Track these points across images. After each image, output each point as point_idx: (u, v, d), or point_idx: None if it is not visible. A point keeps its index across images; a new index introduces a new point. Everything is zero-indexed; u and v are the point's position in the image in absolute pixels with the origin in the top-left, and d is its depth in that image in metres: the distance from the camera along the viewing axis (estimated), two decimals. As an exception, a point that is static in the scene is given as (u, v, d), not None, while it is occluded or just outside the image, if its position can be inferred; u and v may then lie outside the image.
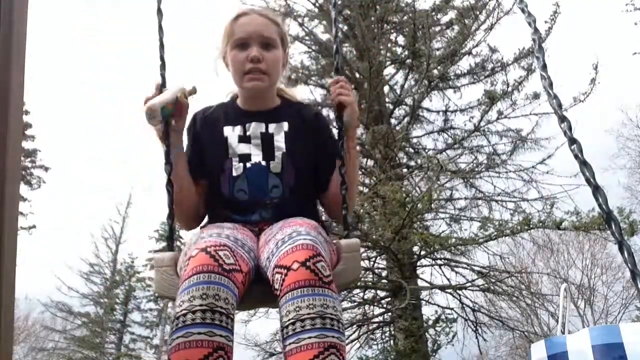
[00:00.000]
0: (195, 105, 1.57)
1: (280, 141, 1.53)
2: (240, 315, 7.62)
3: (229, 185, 1.50)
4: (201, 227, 1.50)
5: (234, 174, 1.50)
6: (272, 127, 1.55)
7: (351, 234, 1.45)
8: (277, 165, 1.50)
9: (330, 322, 1.10)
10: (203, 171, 1.54)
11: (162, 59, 1.53)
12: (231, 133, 1.54)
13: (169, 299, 1.37)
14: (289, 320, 1.11)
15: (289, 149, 1.52)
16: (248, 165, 1.50)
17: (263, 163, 1.51)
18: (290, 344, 1.10)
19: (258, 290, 1.29)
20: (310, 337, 1.08)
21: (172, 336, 1.11)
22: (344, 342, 1.13)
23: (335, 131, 1.54)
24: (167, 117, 1.44)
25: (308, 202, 1.56)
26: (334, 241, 1.42)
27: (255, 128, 1.54)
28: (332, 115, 1.60)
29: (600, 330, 1.85)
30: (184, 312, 1.10)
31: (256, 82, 1.51)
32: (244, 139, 1.54)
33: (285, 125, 1.55)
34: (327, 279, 1.15)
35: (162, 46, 1.54)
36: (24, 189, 15.83)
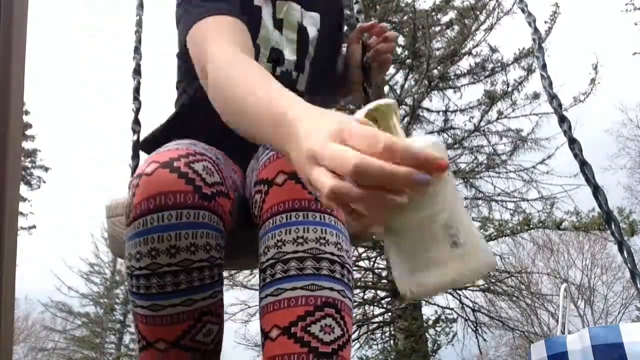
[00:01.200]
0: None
1: (311, 43, 1.11)
2: (240, 315, 7.63)
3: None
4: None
5: None
6: (306, 18, 1.11)
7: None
8: (303, 82, 1.10)
9: (328, 267, 0.71)
10: None
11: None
12: (265, 12, 1.05)
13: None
14: (266, 261, 0.73)
15: (316, 58, 1.12)
16: (278, 71, 1.06)
17: (294, 74, 1.08)
18: (266, 296, 0.73)
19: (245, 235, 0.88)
20: (295, 288, 0.70)
21: (134, 301, 0.75)
22: (348, 299, 0.74)
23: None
24: None
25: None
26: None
27: (290, 12, 1.08)
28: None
29: (600, 330, 1.86)
30: (145, 273, 0.71)
31: None
32: (277, 23, 1.07)
33: (317, 19, 1.13)
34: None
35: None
36: (24, 189, 15.84)
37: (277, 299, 0.71)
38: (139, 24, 1.36)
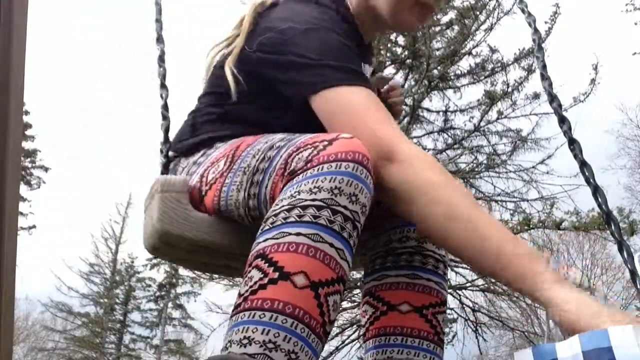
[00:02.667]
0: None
1: None
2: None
3: None
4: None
5: None
6: (367, 72, 1.17)
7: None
8: None
9: (433, 264, 0.97)
10: None
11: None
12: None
13: (175, 237, 0.95)
14: (406, 248, 0.94)
15: None
16: None
17: None
18: (398, 275, 0.93)
19: None
20: (430, 280, 0.93)
21: (288, 230, 0.73)
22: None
23: None
24: None
25: None
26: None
27: (366, 71, 1.12)
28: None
29: (590, 335, 1.87)
30: (318, 204, 0.73)
31: (422, 22, 1.14)
32: None
33: (369, 70, 1.20)
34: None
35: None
36: (24, 189, 15.84)
37: (413, 281, 0.90)
38: (159, 12, 1.30)
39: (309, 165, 0.76)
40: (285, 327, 0.67)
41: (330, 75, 0.90)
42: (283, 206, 0.74)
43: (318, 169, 0.75)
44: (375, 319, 0.92)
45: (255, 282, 0.71)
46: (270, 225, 0.74)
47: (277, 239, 0.72)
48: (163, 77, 1.21)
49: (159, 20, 1.28)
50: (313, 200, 0.73)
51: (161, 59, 1.23)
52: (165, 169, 1.14)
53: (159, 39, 1.25)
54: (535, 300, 0.76)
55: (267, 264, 0.71)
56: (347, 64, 0.92)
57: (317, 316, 0.69)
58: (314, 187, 0.73)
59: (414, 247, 0.93)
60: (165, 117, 1.19)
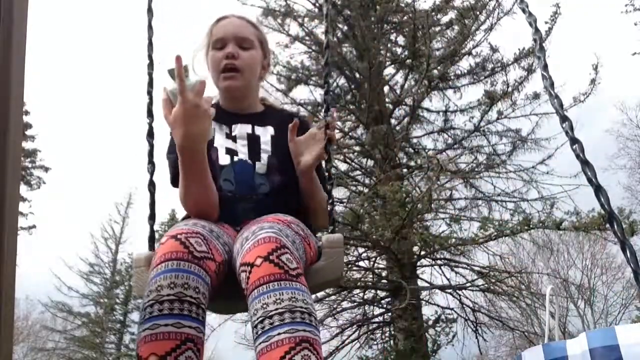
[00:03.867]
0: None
1: (266, 144, 1.52)
2: (240, 316, 7.62)
3: (215, 173, 1.41)
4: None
5: (221, 162, 1.47)
6: (258, 129, 1.54)
7: (336, 230, 1.41)
8: (262, 166, 1.48)
9: (300, 316, 1.03)
10: None
11: (150, 57, 1.52)
12: (217, 129, 1.52)
13: None
14: (257, 319, 1.04)
15: (275, 152, 1.51)
16: (235, 159, 1.48)
17: (249, 162, 1.49)
18: (260, 343, 1.02)
19: (234, 291, 1.19)
20: (279, 334, 1.00)
21: (140, 328, 1.06)
22: (317, 337, 1.05)
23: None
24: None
25: (293, 203, 1.50)
26: (317, 235, 1.40)
27: (241, 129, 1.53)
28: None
29: (597, 333, 1.87)
30: (151, 302, 1.06)
31: (230, 81, 1.51)
32: (230, 137, 1.52)
33: (271, 130, 1.55)
34: (294, 272, 1.08)
35: (150, 45, 1.53)
36: (24, 189, 15.83)
37: (268, 343, 1.01)
38: (150, 85, 1.52)
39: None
40: None
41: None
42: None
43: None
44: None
45: None
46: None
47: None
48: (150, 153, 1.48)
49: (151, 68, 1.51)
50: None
51: (149, 135, 1.50)
52: (152, 243, 1.45)
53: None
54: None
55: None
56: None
57: None
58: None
59: (260, 315, 1.06)
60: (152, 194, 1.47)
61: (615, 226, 0.78)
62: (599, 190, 0.80)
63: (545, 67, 1.01)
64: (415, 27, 7.85)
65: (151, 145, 1.46)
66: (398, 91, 8.99)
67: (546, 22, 7.51)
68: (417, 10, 8.29)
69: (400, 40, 9.23)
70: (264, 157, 1.50)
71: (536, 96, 7.96)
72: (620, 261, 15.57)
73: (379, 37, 8.30)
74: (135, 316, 17.86)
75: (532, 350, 2.00)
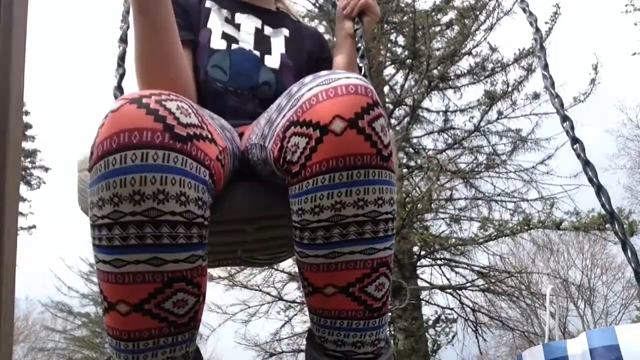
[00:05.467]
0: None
1: (279, 44, 1.18)
2: (240, 315, 7.63)
3: (202, 58, 1.07)
4: None
5: (213, 45, 1.09)
6: (268, 30, 1.20)
7: None
8: (274, 60, 1.13)
9: (384, 228, 0.71)
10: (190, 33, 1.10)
11: None
12: (214, 9, 1.15)
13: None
14: (320, 222, 0.69)
15: (290, 53, 1.17)
16: (233, 46, 1.11)
17: (255, 52, 1.12)
18: (319, 256, 0.71)
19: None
20: (353, 252, 0.70)
21: (97, 255, 0.67)
22: (393, 249, 0.76)
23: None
24: None
25: None
26: None
27: (247, 20, 1.17)
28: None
29: (597, 333, 1.87)
30: (107, 222, 0.63)
31: None
32: (231, 22, 1.16)
33: (286, 32, 1.22)
34: (387, 150, 0.69)
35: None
36: (24, 189, 15.82)
37: (334, 261, 0.71)
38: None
39: (91, 161, 0.67)
40: (127, 349, 0.68)
41: None
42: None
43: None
44: (306, 296, 0.78)
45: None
46: None
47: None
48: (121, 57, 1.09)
49: (125, 19, 1.13)
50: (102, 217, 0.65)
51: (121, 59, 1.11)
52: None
53: (122, 39, 1.12)
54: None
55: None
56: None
57: (156, 327, 0.67)
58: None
59: (329, 219, 0.69)
60: (121, 66, 1.07)
61: (617, 226, 0.78)
62: (600, 190, 0.81)
63: (545, 67, 1.01)
64: (415, 27, 7.84)
65: (124, 50, 1.09)
66: (398, 91, 8.99)
67: (546, 22, 7.51)
68: (417, 11, 8.29)
69: (400, 40, 9.22)
70: (276, 53, 1.15)
71: (536, 96, 7.96)
72: (620, 261, 15.57)
73: (379, 37, 8.29)
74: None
75: (532, 350, 2.01)
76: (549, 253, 14.74)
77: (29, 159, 16.58)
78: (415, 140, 9.30)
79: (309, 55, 1.23)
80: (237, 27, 1.15)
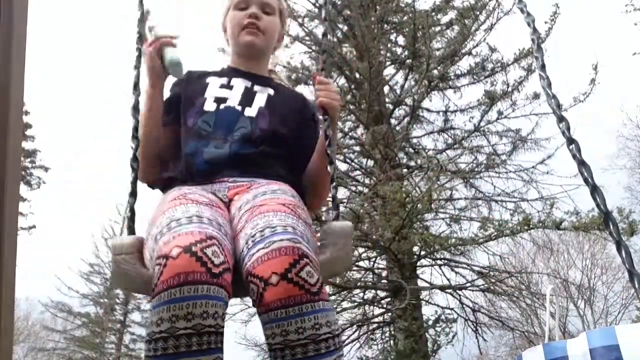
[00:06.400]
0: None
1: (261, 99, 1.46)
2: (240, 315, 7.63)
3: (194, 117, 1.39)
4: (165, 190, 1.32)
5: (205, 108, 1.41)
6: (257, 87, 1.49)
7: (340, 217, 1.28)
8: (253, 110, 1.42)
9: (325, 345, 0.95)
10: (175, 114, 1.45)
11: (139, 33, 1.46)
12: (214, 80, 1.49)
13: (130, 292, 1.16)
14: (276, 345, 0.96)
15: (268, 106, 1.45)
16: (222, 106, 1.42)
17: (238, 107, 1.42)
18: None
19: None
20: None
21: None
22: (341, 358, 1.01)
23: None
24: (174, 65, 1.38)
25: (281, 163, 1.39)
26: (325, 223, 1.27)
27: (240, 82, 1.49)
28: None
29: (597, 333, 1.88)
30: (164, 336, 0.90)
31: (252, 36, 1.48)
32: (226, 86, 1.48)
33: (271, 91, 1.50)
34: (315, 287, 0.97)
35: (142, 20, 1.48)
36: (24, 189, 15.82)
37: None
38: (139, 59, 1.43)
39: (154, 290, 0.96)
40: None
41: None
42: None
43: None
44: None
45: None
46: None
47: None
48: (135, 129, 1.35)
49: (137, 87, 1.40)
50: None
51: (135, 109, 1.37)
52: (132, 224, 1.26)
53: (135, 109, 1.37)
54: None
55: None
56: None
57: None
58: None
59: (281, 343, 0.96)
60: (135, 137, 1.33)
61: (611, 226, 0.78)
62: (594, 190, 0.81)
63: (542, 67, 1.02)
64: (415, 27, 7.84)
65: (136, 120, 1.35)
66: (398, 91, 8.99)
67: (545, 22, 7.51)
68: (417, 10, 8.29)
69: (400, 40, 9.22)
70: (256, 105, 1.45)
71: (536, 96, 7.96)
72: (620, 261, 15.52)
73: (379, 37, 8.29)
74: (135, 316, 17.84)
75: (532, 350, 2.01)
76: (549, 253, 14.72)
77: (29, 159, 16.57)
78: (415, 140, 9.30)
79: (291, 110, 1.50)
80: (231, 87, 1.48)
